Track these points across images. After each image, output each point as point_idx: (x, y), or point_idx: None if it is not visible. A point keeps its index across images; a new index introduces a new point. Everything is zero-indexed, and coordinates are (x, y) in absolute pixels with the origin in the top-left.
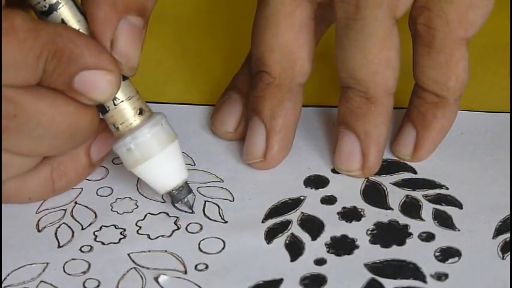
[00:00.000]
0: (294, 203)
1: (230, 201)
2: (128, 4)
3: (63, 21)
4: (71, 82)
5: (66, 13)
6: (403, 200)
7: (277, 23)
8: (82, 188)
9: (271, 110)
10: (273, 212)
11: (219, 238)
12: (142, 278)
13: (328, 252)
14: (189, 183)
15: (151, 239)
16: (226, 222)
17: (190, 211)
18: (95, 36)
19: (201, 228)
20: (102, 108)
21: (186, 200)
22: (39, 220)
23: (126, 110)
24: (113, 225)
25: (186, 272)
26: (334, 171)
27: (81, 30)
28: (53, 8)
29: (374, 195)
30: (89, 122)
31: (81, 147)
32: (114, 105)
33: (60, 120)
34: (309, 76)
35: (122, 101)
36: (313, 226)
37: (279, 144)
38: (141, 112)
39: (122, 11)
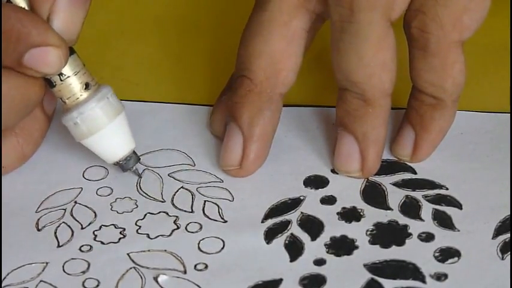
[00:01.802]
0: (294, 203)
1: (230, 201)
2: None
3: (9, 1)
4: (20, 59)
5: None
6: (402, 200)
7: (270, 30)
8: (82, 188)
9: (250, 118)
10: (272, 212)
11: (219, 238)
12: (141, 278)
13: (327, 252)
14: (188, 183)
15: (151, 239)
16: (225, 222)
17: (139, 177)
18: (34, 11)
19: (201, 228)
20: (49, 82)
21: (134, 168)
22: (38, 219)
23: (72, 84)
24: (113, 224)
25: (185, 272)
26: (334, 171)
27: (27, 8)
28: None
29: (374, 195)
30: (38, 92)
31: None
32: (61, 80)
33: (13, 94)
34: (290, 88)
35: (68, 77)
36: (312, 226)
37: (255, 153)
38: (87, 86)
39: None
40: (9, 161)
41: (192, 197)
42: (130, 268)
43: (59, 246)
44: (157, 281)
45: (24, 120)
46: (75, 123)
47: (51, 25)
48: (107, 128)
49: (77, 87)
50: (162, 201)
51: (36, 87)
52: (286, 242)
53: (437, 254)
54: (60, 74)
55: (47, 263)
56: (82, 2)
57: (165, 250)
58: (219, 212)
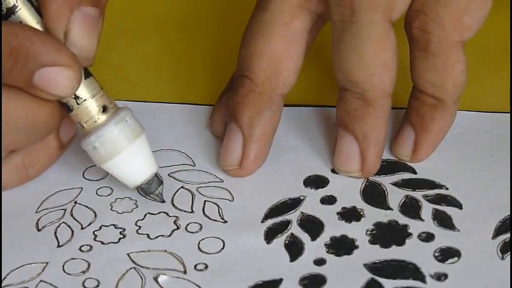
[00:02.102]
0: (294, 203)
1: (230, 201)
2: None
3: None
4: (30, 79)
5: (24, 16)
6: (402, 200)
7: (272, 30)
8: (82, 188)
9: (250, 118)
10: (272, 212)
11: (219, 238)
12: (141, 278)
13: (327, 252)
14: (188, 183)
15: (151, 239)
16: (225, 222)
17: (161, 201)
18: (49, 31)
19: (201, 228)
20: (66, 107)
21: (157, 192)
22: (38, 219)
23: (89, 108)
24: (113, 224)
25: (185, 272)
26: (334, 171)
27: (41, 29)
28: (10, 12)
29: (374, 195)
30: (49, 116)
31: None
32: (77, 104)
33: (18, 116)
34: (292, 87)
35: (85, 100)
36: (312, 226)
37: (255, 153)
38: (105, 109)
39: (75, 2)
40: (10, 181)
41: (192, 197)
42: (131, 268)
43: (59, 246)
44: (157, 281)
45: (34, 144)
46: (93, 147)
47: (68, 44)
48: (126, 151)
49: (94, 110)
50: (162, 202)
51: (46, 111)
52: (286, 242)
53: (437, 254)
54: (77, 98)
55: (47, 263)
56: (96, 20)
57: (165, 250)
58: (219, 212)
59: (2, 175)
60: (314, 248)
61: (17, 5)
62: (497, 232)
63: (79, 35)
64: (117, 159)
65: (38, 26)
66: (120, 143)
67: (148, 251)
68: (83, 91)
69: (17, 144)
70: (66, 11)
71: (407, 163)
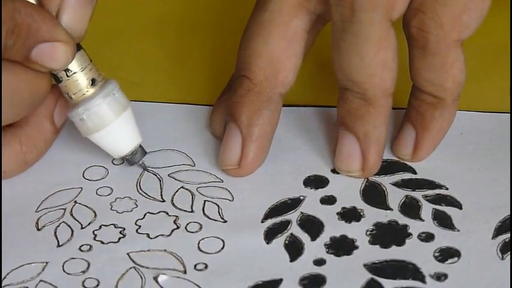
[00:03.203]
0: (294, 203)
1: (230, 201)
2: None
3: None
4: (28, 54)
5: None
6: (402, 200)
7: (270, 30)
8: (82, 188)
9: (249, 117)
10: (272, 212)
11: (219, 238)
12: (141, 278)
13: (327, 252)
14: (188, 183)
15: (151, 238)
16: (225, 221)
17: (146, 170)
18: (43, 7)
19: (201, 228)
20: (55, 78)
21: (140, 162)
22: (38, 219)
23: (78, 80)
24: (113, 224)
25: (185, 272)
26: (334, 171)
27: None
28: None
29: (374, 195)
30: (45, 86)
31: (44, 115)
32: (67, 76)
33: (22, 88)
34: (290, 88)
35: (75, 72)
36: (312, 226)
37: (254, 152)
38: (93, 82)
39: None
40: (10, 167)
41: (192, 197)
42: (130, 268)
43: (58, 245)
44: (157, 281)
45: (30, 129)
46: (81, 119)
47: (60, 21)
48: (113, 124)
49: (83, 83)
50: (162, 201)
51: (43, 82)
52: (286, 242)
53: (437, 254)
54: (67, 70)
55: (46, 263)
56: (89, 1)
57: (165, 250)
58: (219, 212)
59: (1, 162)
60: (314, 248)
61: None
62: (497, 232)
63: (70, 14)
64: (104, 131)
65: (33, 1)
66: (107, 116)
67: (148, 250)
68: (73, 64)
69: (18, 115)
70: None
71: (407, 163)
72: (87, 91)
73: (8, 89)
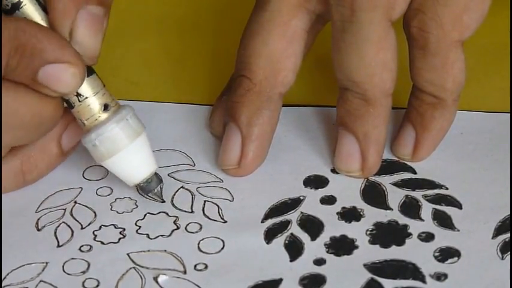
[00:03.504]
0: (294, 203)
1: (230, 201)
2: None
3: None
4: (34, 76)
5: (29, 11)
6: (402, 200)
7: (270, 30)
8: (82, 188)
9: (249, 117)
10: (272, 212)
11: (219, 238)
12: (141, 278)
13: (327, 252)
14: (188, 183)
15: (151, 239)
16: (225, 222)
17: (161, 201)
18: (55, 29)
19: (201, 228)
20: (68, 104)
21: (155, 191)
22: (38, 219)
23: (91, 105)
24: (113, 224)
25: (185, 272)
26: (333, 171)
27: (45, 25)
28: (15, 7)
29: (373, 195)
30: (52, 112)
31: (51, 137)
32: (79, 101)
33: (23, 112)
34: (290, 88)
35: (87, 98)
36: (312, 226)
37: (254, 152)
38: (106, 107)
39: (81, 1)
40: (7, 184)
41: (192, 197)
42: (130, 268)
43: (58, 246)
44: (157, 281)
45: (33, 149)
46: (93, 145)
47: (73, 42)
48: (126, 150)
49: (96, 108)
50: (162, 202)
51: (50, 107)
52: (286, 242)
53: (437, 254)
54: (79, 95)
55: (46, 263)
56: (101, 19)
57: (165, 250)
58: (219, 212)
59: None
60: (314, 248)
61: (21, 0)
62: (497, 232)
63: (84, 34)
64: (117, 157)
65: (42, 23)
66: (120, 142)
67: (148, 251)
68: (85, 88)
69: (18, 140)
70: (72, 9)
71: (407, 163)
72: (99, 116)
73: (7, 112)
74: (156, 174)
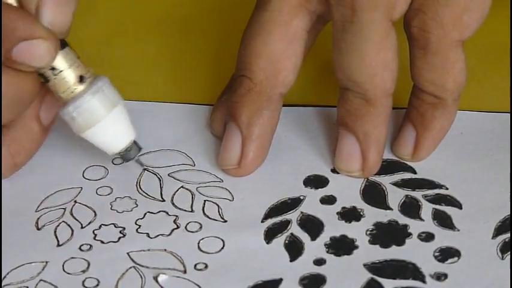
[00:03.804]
0: (294, 203)
1: (230, 200)
2: None
3: None
4: (9, 54)
5: None
6: (402, 200)
7: (270, 30)
8: (82, 187)
9: (249, 117)
10: (272, 212)
11: (219, 237)
12: (141, 277)
13: (327, 252)
14: (188, 182)
15: (151, 238)
16: (225, 221)
17: (143, 167)
18: (22, 6)
19: (201, 228)
20: (44, 78)
21: (136, 158)
22: (38, 218)
23: (66, 78)
24: (113, 224)
25: (185, 272)
26: (334, 171)
27: (15, 4)
28: None
29: (374, 195)
30: (31, 87)
31: (30, 116)
32: (54, 75)
33: (6, 90)
34: (290, 88)
35: (61, 71)
36: (312, 226)
37: (254, 152)
38: (82, 79)
39: None
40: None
41: (192, 197)
42: (130, 267)
43: (58, 245)
44: (157, 281)
45: (16, 131)
46: (72, 117)
47: (40, 18)
48: (104, 120)
49: (71, 80)
50: (162, 201)
51: (29, 82)
52: (286, 241)
53: (437, 254)
54: (53, 69)
55: (46, 262)
56: None
57: (165, 249)
58: (219, 212)
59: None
60: (314, 248)
61: None
62: (497, 232)
63: (50, 10)
64: (96, 128)
65: (12, 1)
66: (97, 113)
67: (148, 250)
68: (59, 62)
69: (4, 118)
70: None
71: (407, 163)
72: (75, 89)
73: None
74: (135, 142)
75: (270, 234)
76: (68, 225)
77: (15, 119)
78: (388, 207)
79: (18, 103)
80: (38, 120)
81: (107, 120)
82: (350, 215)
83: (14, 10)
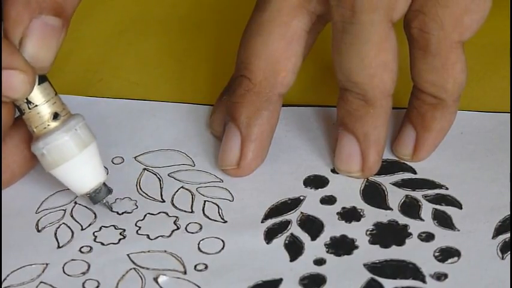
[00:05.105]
0: (294, 203)
1: (230, 201)
2: (42, 3)
3: None
4: None
5: None
6: (402, 200)
7: (270, 31)
8: None
9: (248, 118)
10: (272, 212)
11: (219, 238)
12: (141, 279)
13: (327, 252)
14: (188, 183)
15: (151, 239)
16: (225, 222)
17: (110, 210)
18: (7, 36)
19: (201, 228)
20: (19, 110)
21: (104, 201)
22: (38, 220)
23: (40, 113)
24: (113, 225)
25: (185, 272)
26: (333, 171)
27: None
28: None
29: (374, 195)
30: (5, 117)
31: (21, 139)
32: (29, 108)
33: None
34: (290, 88)
35: (36, 105)
36: (312, 226)
37: (253, 153)
38: (56, 116)
39: (35, 10)
40: None
41: (192, 197)
42: (131, 269)
43: (59, 247)
44: (157, 282)
45: (5, 151)
46: (41, 153)
47: (23, 50)
48: (73, 160)
49: (45, 116)
50: (162, 202)
51: (4, 112)
52: (286, 242)
53: (437, 254)
54: (29, 102)
55: (47, 264)
56: (57, 30)
57: (165, 251)
58: (219, 212)
59: None
60: (314, 248)
61: None
62: (497, 232)
63: (33, 44)
64: (64, 166)
65: None
66: (67, 152)
67: (148, 251)
68: (35, 96)
69: None
70: (25, 17)
71: (407, 163)
72: (48, 125)
73: None
74: (104, 184)
75: (270, 235)
76: (68, 227)
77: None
78: (388, 207)
79: None
80: (28, 146)
81: (77, 160)
82: (350, 215)
83: None
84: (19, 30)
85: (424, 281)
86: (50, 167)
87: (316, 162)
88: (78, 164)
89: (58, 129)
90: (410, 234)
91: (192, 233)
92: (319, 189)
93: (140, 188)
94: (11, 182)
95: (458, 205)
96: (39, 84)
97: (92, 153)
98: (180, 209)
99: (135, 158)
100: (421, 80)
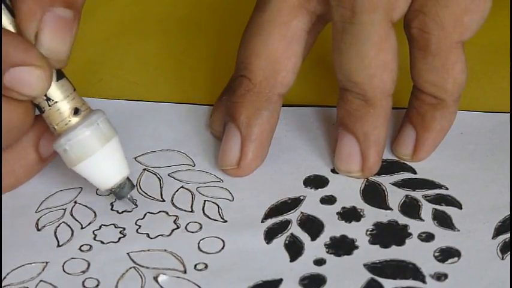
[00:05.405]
0: (294, 203)
1: (230, 200)
2: None
3: None
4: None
5: None
6: (402, 200)
7: (270, 31)
8: (82, 188)
9: (248, 118)
10: (272, 212)
11: (219, 238)
12: (141, 278)
13: (327, 252)
14: (188, 183)
15: (151, 238)
16: (225, 221)
17: (135, 206)
18: (21, 31)
19: (201, 228)
20: (39, 109)
21: (129, 196)
22: (38, 219)
23: (60, 110)
24: (113, 224)
25: (185, 272)
26: (333, 171)
27: (12, 30)
28: None
29: (374, 195)
30: (21, 116)
31: (28, 143)
32: (49, 106)
33: None
34: (290, 88)
35: (56, 102)
36: (312, 226)
37: (253, 153)
38: (76, 112)
39: (47, 3)
40: None
41: (192, 197)
42: (130, 268)
43: (58, 245)
44: (157, 281)
45: (11, 154)
46: (64, 150)
47: (39, 44)
48: (96, 155)
49: (65, 112)
50: (162, 201)
51: (19, 111)
52: (286, 242)
53: (437, 254)
54: (48, 99)
55: (46, 263)
56: (69, 21)
57: (165, 250)
58: (219, 212)
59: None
60: (314, 248)
61: None
62: (497, 232)
63: (49, 37)
64: (87, 162)
65: (10, 27)
66: (90, 147)
67: (148, 250)
68: (54, 93)
69: None
70: (37, 11)
71: (407, 163)
72: (69, 121)
73: None
74: (128, 179)
75: (270, 235)
76: (68, 225)
77: (5, 147)
78: (388, 207)
79: (6, 132)
80: (36, 150)
81: (100, 155)
82: (350, 215)
83: (6, 33)
84: (33, 24)
85: (424, 281)
86: (72, 163)
87: (316, 162)
88: (101, 159)
89: (80, 125)
90: (410, 234)
91: (192, 232)
92: (319, 189)
93: (140, 188)
94: (15, 186)
95: (458, 205)
96: (57, 80)
97: (114, 147)
98: (180, 209)
99: (135, 158)
100: (421, 80)
